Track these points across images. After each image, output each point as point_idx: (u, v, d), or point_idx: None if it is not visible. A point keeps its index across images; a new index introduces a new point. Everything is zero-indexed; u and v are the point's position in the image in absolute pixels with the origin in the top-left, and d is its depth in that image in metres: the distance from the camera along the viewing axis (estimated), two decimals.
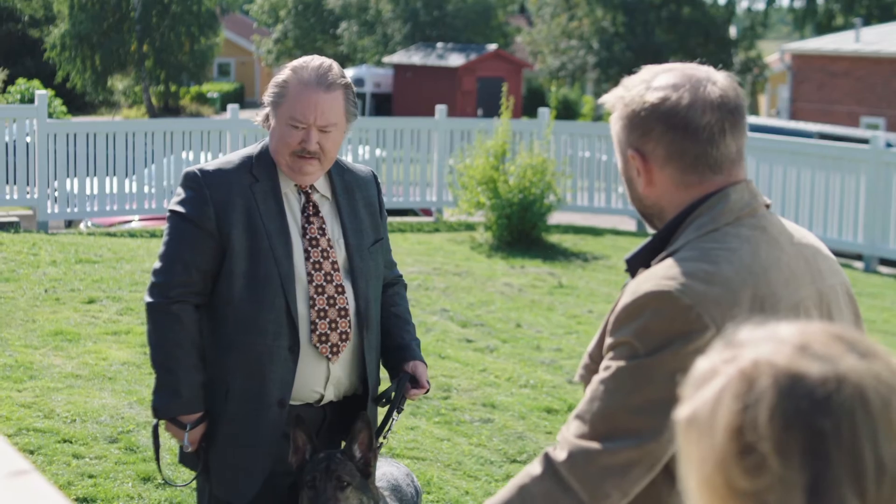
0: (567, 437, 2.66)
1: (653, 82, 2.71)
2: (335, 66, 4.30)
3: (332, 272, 4.31)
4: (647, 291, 2.59)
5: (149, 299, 4.27)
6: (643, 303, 2.59)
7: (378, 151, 18.14)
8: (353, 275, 4.36)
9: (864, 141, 18.00)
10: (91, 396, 7.94)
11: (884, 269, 16.50)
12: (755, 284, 2.61)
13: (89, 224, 16.85)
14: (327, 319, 4.27)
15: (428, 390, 4.47)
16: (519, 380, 9.27)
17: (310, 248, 4.29)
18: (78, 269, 11.89)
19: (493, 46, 46.46)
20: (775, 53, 42.25)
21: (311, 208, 4.35)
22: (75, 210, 16.13)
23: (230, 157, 4.38)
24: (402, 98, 45.17)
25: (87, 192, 16.12)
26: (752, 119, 26.99)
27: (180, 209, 4.27)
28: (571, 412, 2.73)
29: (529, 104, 47.80)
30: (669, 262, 2.63)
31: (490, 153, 15.81)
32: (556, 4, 49.33)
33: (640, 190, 2.75)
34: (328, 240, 4.34)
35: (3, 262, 11.95)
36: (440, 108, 18.44)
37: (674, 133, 2.66)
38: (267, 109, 4.33)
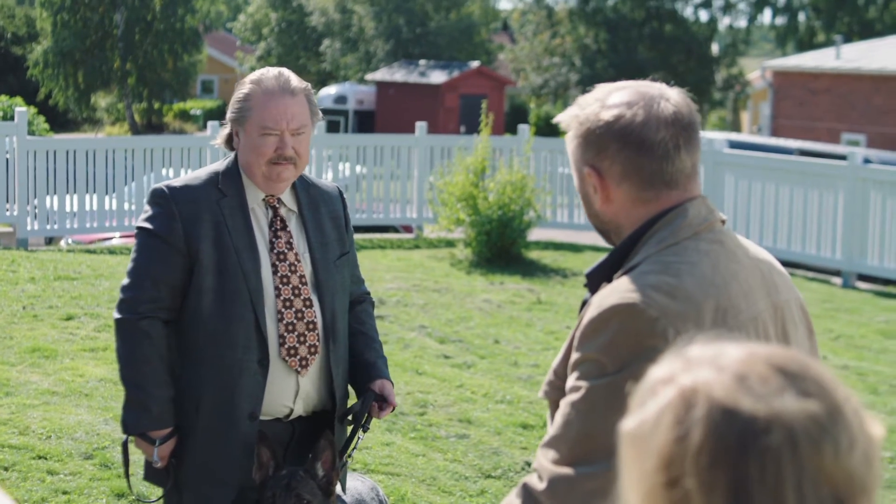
0: (544, 466, 2.63)
1: (607, 100, 2.74)
2: (292, 73, 4.38)
3: (300, 286, 4.35)
4: (612, 305, 2.59)
5: (117, 315, 4.30)
6: (608, 316, 2.59)
7: (358, 168, 18.17)
8: (319, 288, 4.40)
9: (844, 157, 18.08)
10: (67, 413, 7.94)
11: (862, 285, 16.56)
12: (717, 296, 2.63)
13: (69, 241, 16.85)
14: (296, 333, 4.31)
15: (394, 408, 4.50)
16: (495, 395, 9.30)
17: (277, 263, 4.34)
18: (56, 286, 11.88)
19: (475, 64, 46.53)
20: (757, 70, 42.42)
21: (278, 223, 4.40)
22: (55, 227, 16.12)
23: (197, 174, 4.42)
24: (384, 115, 45.20)
25: (68, 209, 16.12)
26: (733, 136, 27.09)
27: (148, 226, 4.31)
28: (544, 437, 2.69)
29: (512, 121, 47.88)
30: (632, 275, 2.65)
31: (470, 170, 15.84)
32: (539, 22, 49.50)
33: (597, 206, 2.77)
34: (295, 254, 4.38)
35: None
36: (420, 125, 18.47)
37: (629, 150, 2.69)
38: (228, 129, 4.39)
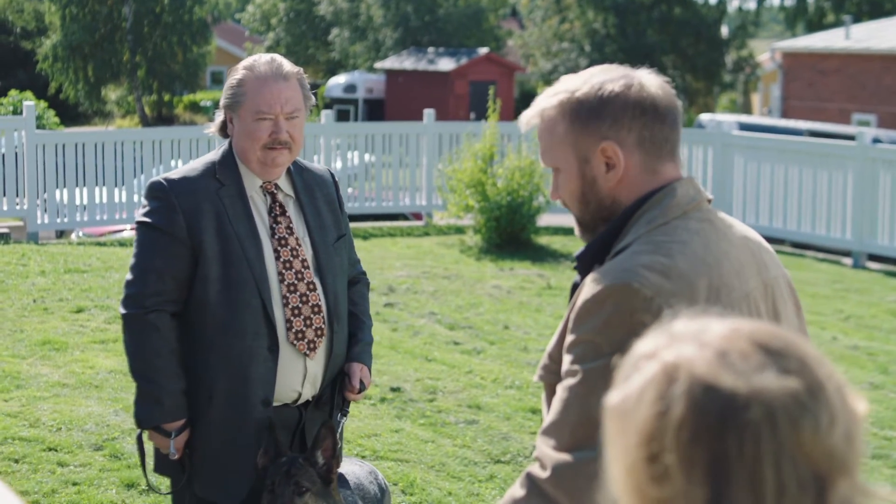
0: (546, 453, 2.62)
1: (598, 78, 2.74)
2: (284, 59, 4.42)
3: (303, 270, 4.38)
4: (606, 286, 2.59)
5: (124, 311, 4.32)
6: (603, 297, 2.59)
7: (367, 156, 18.18)
8: (321, 271, 4.43)
9: (853, 138, 18.05)
10: (77, 405, 7.97)
11: (872, 265, 16.53)
12: (709, 275, 2.64)
13: (80, 234, 16.88)
14: (302, 317, 4.34)
15: (361, 390, 4.49)
16: (505, 381, 9.31)
17: (279, 248, 4.36)
18: (67, 278, 11.92)
19: (484, 50, 46.50)
20: (767, 52, 42.30)
21: (277, 208, 4.43)
22: (65, 220, 16.16)
23: (193, 165, 4.44)
24: (394, 103, 45.20)
25: (77, 202, 16.16)
26: (742, 118, 27.02)
27: (149, 220, 4.33)
28: (543, 423, 2.68)
29: (522, 107, 47.75)
30: (625, 256, 2.65)
31: (478, 156, 15.84)
32: (548, 7, 49.36)
33: (608, 185, 2.75)
34: (296, 238, 4.41)
35: None
36: (428, 112, 18.46)
37: (646, 116, 2.70)
38: (222, 116, 4.42)
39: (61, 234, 17.28)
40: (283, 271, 4.34)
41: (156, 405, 4.28)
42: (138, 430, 4.47)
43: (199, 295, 4.29)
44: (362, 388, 4.50)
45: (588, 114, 2.71)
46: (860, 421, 1.55)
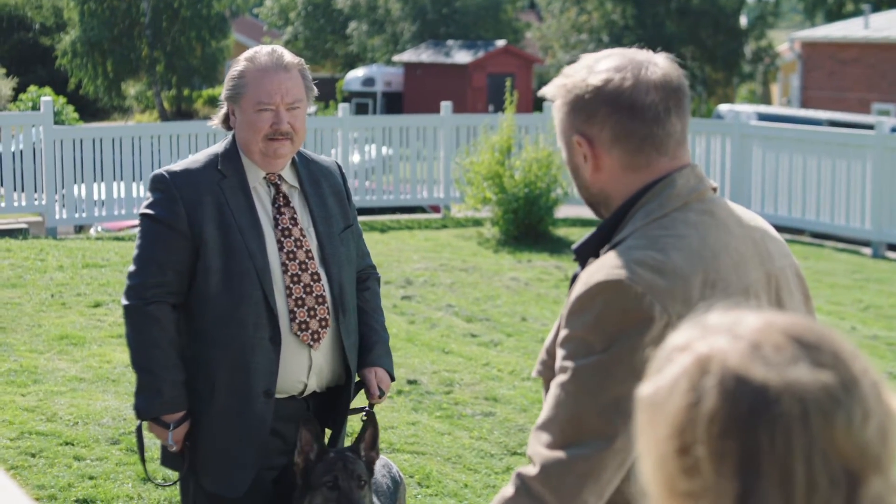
0: (537, 450, 2.59)
1: (595, 67, 2.72)
2: (285, 49, 4.43)
3: (307, 260, 4.38)
4: (598, 281, 2.57)
5: (125, 302, 4.33)
6: (595, 293, 2.56)
7: (385, 149, 18.18)
8: (325, 262, 4.42)
9: (873, 127, 17.97)
10: (94, 399, 7.99)
11: (892, 255, 16.46)
12: (705, 270, 2.61)
13: (99, 229, 16.93)
14: (305, 307, 4.34)
15: (382, 395, 4.52)
16: (522, 373, 9.30)
17: (283, 239, 4.36)
18: (84, 273, 11.95)
19: (502, 42, 46.41)
20: (786, 42, 42.13)
21: (281, 199, 4.43)
22: (83, 215, 16.22)
23: (196, 157, 4.46)
24: (412, 96, 45.15)
25: (95, 197, 16.20)
26: (761, 108, 26.94)
27: (151, 211, 4.35)
28: (537, 420, 2.66)
29: (540, 99, 47.67)
30: (619, 250, 2.62)
31: (496, 148, 15.83)
32: None
33: (588, 177, 2.74)
34: (300, 229, 4.41)
35: (11, 268, 12.02)
36: (445, 105, 18.46)
37: (619, 114, 2.66)
38: (224, 108, 4.44)
39: (80, 229, 17.32)
40: (287, 262, 4.34)
41: (155, 396, 4.29)
42: (138, 422, 4.48)
43: (201, 286, 4.30)
44: (381, 392, 4.51)
45: (571, 105, 2.72)
46: (895, 419, 1.52)
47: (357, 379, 4.53)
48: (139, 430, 4.50)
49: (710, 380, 1.49)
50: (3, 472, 1.95)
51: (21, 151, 15.75)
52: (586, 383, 2.55)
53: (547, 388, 2.73)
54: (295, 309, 4.33)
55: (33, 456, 7.00)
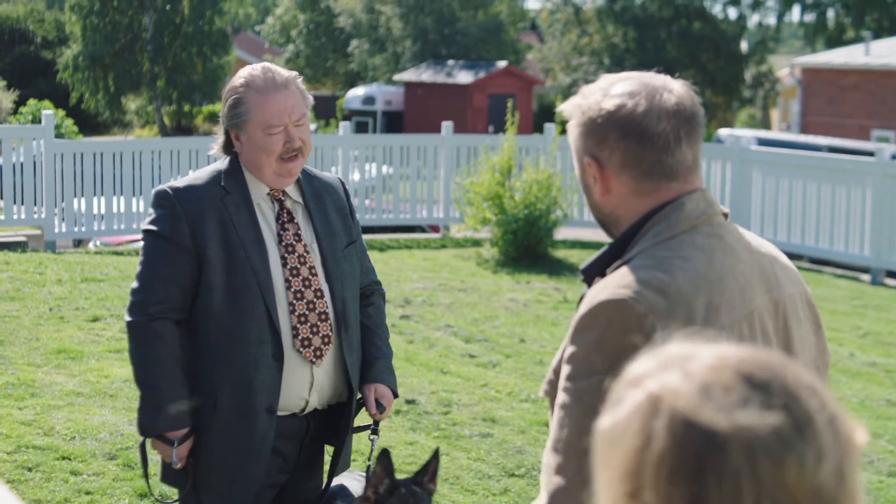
0: (545, 479, 2.60)
1: (610, 90, 2.72)
2: (275, 66, 4.42)
3: (311, 277, 4.37)
4: (602, 301, 2.57)
5: (129, 318, 4.31)
6: (597, 312, 2.57)
7: (385, 168, 18.18)
8: (329, 278, 4.41)
9: (873, 154, 17.99)
10: (91, 414, 7.97)
11: (891, 282, 16.47)
12: (709, 293, 2.60)
13: (98, 243, 16.92)
14: (308, 324, 4.32)
15: (384, 411, 4.51)
16: (520, 394, 9.28)
17: (286, 255, 4.35)
18: (83, 287, 11.94)
19: (503, 63, 46.48)
20: (786, 68, 42.22)
21: (285, 215, 4.42)
22: (83, 229, 16.21)
23: (199, 173, 4.45)
24: (412, 116, 45.20)
25: (95, 211, 16.19)
26: (761, 133, 26.97)
27: (154, 228, 4.34)
28: (547, 444, 2.65)
29: (541, 121, 47.79)
30: (624, 270, 2.63)
31: (496, 169, 15.84)
32: (567, 21, 49.40)
33: (597, 198, 2.75)
34: (304, 245, 4.40)
35: (10, 282, 12.00)
36: (446, 125, 18.48)
37: (629, 140, 2.67)
38: (222, 136, 4.43)
39: (79, 243, 17.31)
40: (290, 278, 4.33)
41: (159, 413, 4.27)
42: (141, 439, 4.46)
43: (204, 302, 4.29)
44: (382, 407, 4.49)
45: (584, 127, 2.73)
46: (855, 455, 1.49)
47: (359, 396, 4.52)
48: (142, 446, 4.48)
49: (659, 421, 1.46)
50: (4, 486, 1.93)
51: (21, 164, 15.75)
52: (588, 404, 2.53)
53: (553, 408, 2.72)
54: (297, 325, 4.31)
55: (30, 470, 6.98)
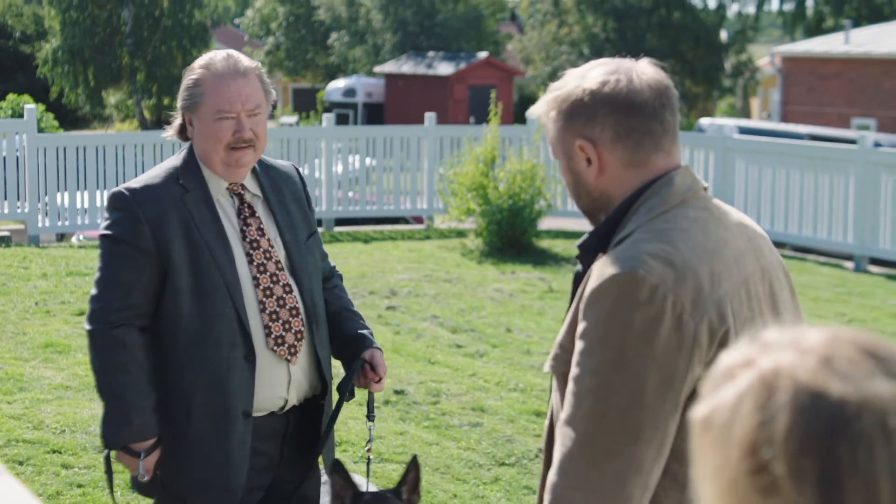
0: (562, 449, 2.63)
1: (587, 74, 2.81)
2: (241, 54, 4.26)
3: (278, 272, 4.22)
4: (613, 274, 2.61)
5: (88, 326, 4.15)
6: (609, 285, 2.61)
7: (368, 160, 18.17)
8: (295, 272, 4.28)
9: (855, 142, 18.04)
10: (80, 407, 7.96)
11: (874, 269, 16.52)
12: (710, 262, 2.67)
13: (80, 237, 16.88)
14: (280, 321, 4.19)
15: (381, 379, 4.36)
16: (508, 384, 9.30)
17: (252, 251, 4.20)
18: (68, 281, 11.92)
19: (483, 54, 46.51)
20: (766, 57, 42.30)
21: (246, 210, 4.26)
22: (66, 223, 16.17)
23: (154, 172, 4.25)
24: (393, 107, 45.19)
25: (78, 205, 16.16)
26: (742, 122, 27.03)
27: (111, 232, 4.15)
28: (560, 415, 2.67)
29: (521, 111, 47.82)
30: (628, 243, 2.68)
31: (479, 160, 15.84)
32: (547, 11, 49.40)
33: (591, 181, 2.80)
34: (268, 239, 4.25)
35: None
36: (429, 116, 18.47)
37: (618, 113, 2.74)
38: (179, 119, 4.26)
39: (62, 237, 17.27)
40: (258, 275, 4.18)
41: (124, 424, 4.09)
42: (105, 451, 4.26)
43: (170, 307, 4.10)
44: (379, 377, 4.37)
45: (567, 112, 2.78)
46: None
47: (337, 384, 4.38)
48: (107, 459, 4.28)
49: (780, 397, 1.44)
50: (11, 476, 1.93)
51: (4, 159, 15.70)
52: (605, 377, 2.58)
53: (560, 383, 2.76)
54: (270, 324, 4.17)
55: (21, 464, 6.97)
